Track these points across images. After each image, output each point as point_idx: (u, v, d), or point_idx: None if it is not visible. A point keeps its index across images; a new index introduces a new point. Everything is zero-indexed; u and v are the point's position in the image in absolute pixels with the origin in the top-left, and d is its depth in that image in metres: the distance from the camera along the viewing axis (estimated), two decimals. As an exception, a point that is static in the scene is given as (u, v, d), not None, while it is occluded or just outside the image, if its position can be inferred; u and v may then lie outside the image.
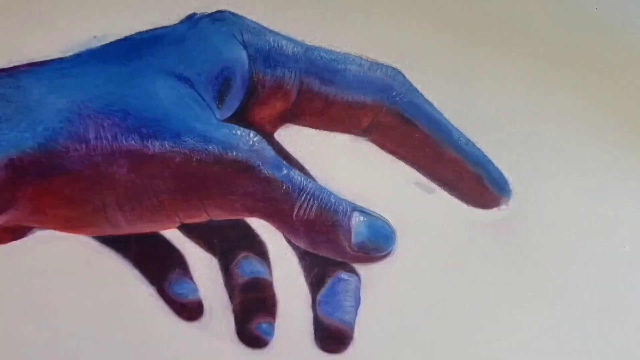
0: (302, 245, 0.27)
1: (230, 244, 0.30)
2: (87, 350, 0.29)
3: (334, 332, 0.28)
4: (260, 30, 0.27)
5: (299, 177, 0.26)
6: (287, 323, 0.30)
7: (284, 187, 0.26)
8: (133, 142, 0.24)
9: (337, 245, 0.26)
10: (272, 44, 0.27)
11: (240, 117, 0.27)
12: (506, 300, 0.30)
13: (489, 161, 0.29)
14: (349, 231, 0.26)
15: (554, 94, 0.29)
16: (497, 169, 0.30)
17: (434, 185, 0.30)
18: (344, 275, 0.29)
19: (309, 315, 0.30)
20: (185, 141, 0.24)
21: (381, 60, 0.28)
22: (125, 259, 0.29)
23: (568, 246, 0.30)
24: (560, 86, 0.29)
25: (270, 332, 0.30)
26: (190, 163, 0.24)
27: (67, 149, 0.23)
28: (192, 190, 0.25)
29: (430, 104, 0.29)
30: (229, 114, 0.27)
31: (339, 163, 0.29)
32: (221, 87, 0.26)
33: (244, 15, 0.27)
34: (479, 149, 0.29)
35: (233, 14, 0.27)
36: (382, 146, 0.29)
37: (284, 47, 0.27)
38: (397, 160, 0.29)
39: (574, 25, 0.29)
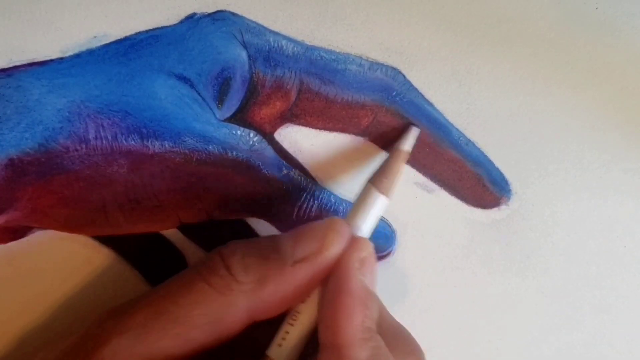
0: (302, 245, 0.27)
1: (230, 244, 0.30)
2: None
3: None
4: (260, 30, 0.27)
5: (299, 177, 0.26)
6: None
7: (284, 187, 0.26)
8: (133, 142, 0.24)
9: (337, 245, 0.26)
10: (272, 43, 0.27)
11: (240, 117, 0.27)
12: (506, 300, 0.30)
13: (489, 161, 0.29)
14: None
15: (554, 94, 0.29)
16: (497, 169, 0.30)
17: (434, 185, 0.30)
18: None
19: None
20: (185, 141, 0.24)
21: (381, 60, 0.28)
22: (125, 259, 0.29)
23: (568, 246, 0.30)
24: (560, 86, 0.29)
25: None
26: (190, 163, 0.24)
27: (67, 149, 0.23)
28: (192, 190, 0.25)
29: (430, 104, 0.29)
30: (229, 114, 0.27)
31: (339, 163, 0.29)
32: (221, 87, 0.26)
33: (244, 15, 0.27)
34: (479, 149, 0.29)
35: (233, 14, 0.27)
36: (382, 146, 0.29)
37: (284, 47, 0.27)
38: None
39: (574, 25, 0.29)
